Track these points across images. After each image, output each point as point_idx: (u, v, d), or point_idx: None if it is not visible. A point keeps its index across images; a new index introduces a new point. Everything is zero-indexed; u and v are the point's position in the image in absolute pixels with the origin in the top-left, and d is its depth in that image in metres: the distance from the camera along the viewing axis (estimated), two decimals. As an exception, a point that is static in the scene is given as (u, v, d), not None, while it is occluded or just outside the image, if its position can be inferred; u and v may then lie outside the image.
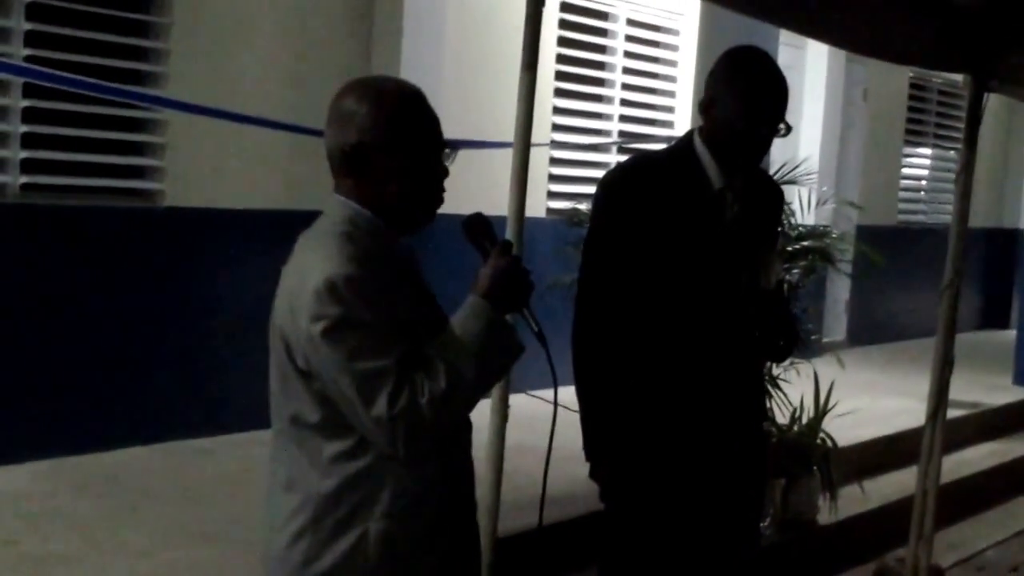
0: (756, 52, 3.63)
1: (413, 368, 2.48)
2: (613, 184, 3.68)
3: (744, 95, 3.51)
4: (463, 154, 6.33)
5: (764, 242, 3.79)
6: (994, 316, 14.98)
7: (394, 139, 2.61)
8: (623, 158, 9.36)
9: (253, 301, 6.66)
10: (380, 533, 2.55)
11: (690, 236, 3.55)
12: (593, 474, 3.72)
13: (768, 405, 6.19)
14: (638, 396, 3.62)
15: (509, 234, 3.49)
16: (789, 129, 3.61)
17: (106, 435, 6.41)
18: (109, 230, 6.48)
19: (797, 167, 6.67)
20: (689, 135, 3.69)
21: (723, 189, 3.61)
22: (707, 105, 3.60)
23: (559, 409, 2.77)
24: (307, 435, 2.58)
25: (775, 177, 6.35)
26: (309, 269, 2.52)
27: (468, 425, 2.75)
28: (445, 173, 2.70)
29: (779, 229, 4.03)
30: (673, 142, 3.82)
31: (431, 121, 2.68)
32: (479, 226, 2.72)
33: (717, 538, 3.67)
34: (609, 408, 3.65)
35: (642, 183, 3.61)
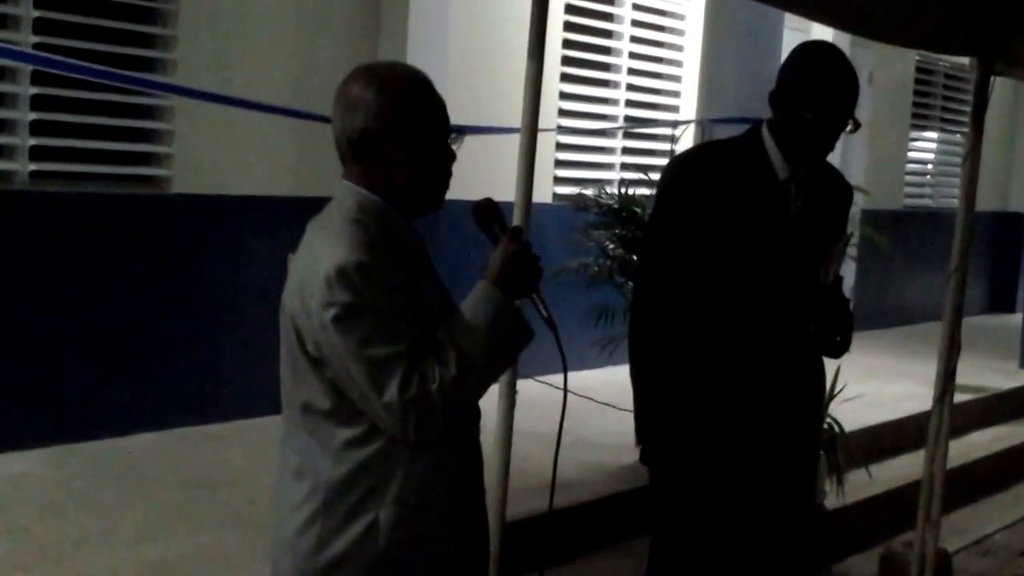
0: (829, 47, 3.69)
1: (424, 354, 2.49)
2: (678, 170, 3.73)
3: (815, 89, 3.54)
4: (470, 141, 6.32)
5: (828, 236, 3.81)
6: (1000, 300, 14.97)
7: (401, 125, 2.61)
8: (628, 143, 9.43)
9: (262, 287, 6.73)
10: (391, 519, 2.56)
11: (752, 225, 3.59)
12: (644, 458, 3.74)
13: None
14: (693, 382, 3.65)
15: (516, 220, 3.49)
16: (858, 125, 3.64)
17: (118, 421, 6.43)
18: (117, 217, 6.49)
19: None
20: (757, 125, 3.73)
21: (788, 181, 3.63)
22: (777, 97, 3.63)
23: (568, 394, 2.78)
24: (318, 422, 2.59)
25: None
26: (319, 256, 2.53)
27: (477, 412, 2.76)
28: (452, 158, 2.71)
29: (845, 223, 4.04)
30: (744, 131, 3.84)
31: (438, 106, 2.68)
32: (489, 211, 2.73)
33: (768, 522, 3.70)
34: (664, 392, 3.68)
35: (707, 170, 3.66)
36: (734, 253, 3.58)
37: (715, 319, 3.61)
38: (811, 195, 3.68)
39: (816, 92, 3.54)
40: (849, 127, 3.62)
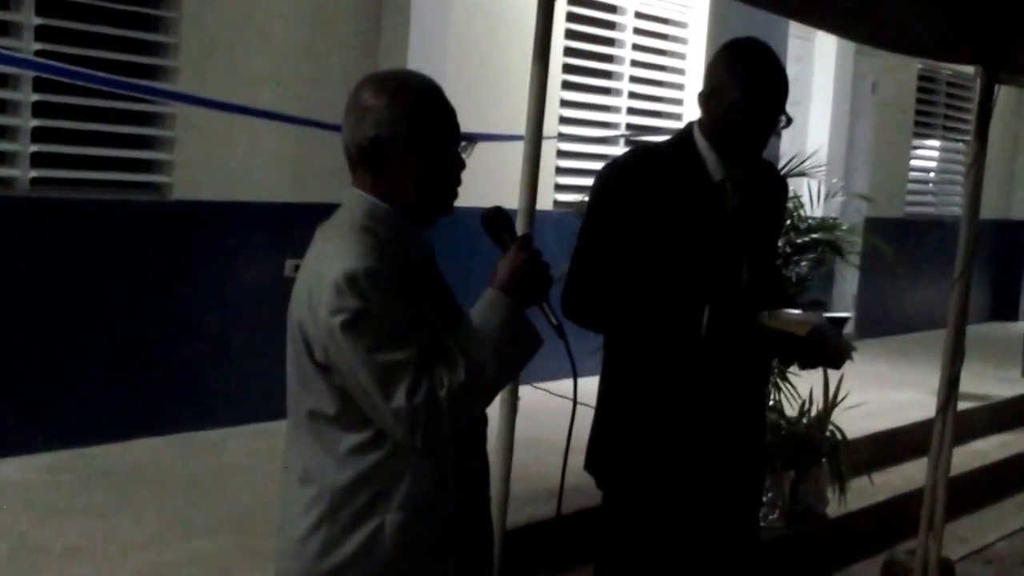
0: (756, 44, 3.61)
1: (432, 361, 2.49)
2: (611, 175, 3.66)
3: (744, 86, 3.49)
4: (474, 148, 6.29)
5: (767, 234, 3.78)
6: (1003, 308, 14.95)
7: (411, 132, 2.61)
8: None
9: (262, 293, 6.73)
10: (396, 525, 2.56)
11: (689, 228, 3.53)
12: (588, 466, 3.73)
13: (776, 398, 6.19)
14: (634, 388, 3.62)
15: (521, 226, 3.48)
16: (790, 121, 3.59)
17: (115, 427, 6.42)
18: (118, 223, 6.49)
19: (806, 160, 6.65)
20: (689, 127, 3.67)
21: (723, 181, 3.59)
22: (707, 96, 3.59)
23: (561, 401, 2.77)
24: (324, 427, 2.59)
25: (784, 170, 6.37)
26: (328, 262, 2.53)
27: (484, 419, 2.76)
28: (462, 166, 2.71)
29: (784, 221, 4.00)
30: (672, 134, 3.82)
31: (448, 114, 2.68)
32: (498, 219, 2.73)
33: (715, 531, 3.67)
34: (605, 396, 3.67)
35: (640, 174, 3.59)
36: (671, 256, 3.53)
37: (652, 324, 3.56)
38: (747, 193, 3.64)
39: (745, 90, 3.49)
40: (781, 123, 3.58)
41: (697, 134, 3.62)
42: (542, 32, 3.47)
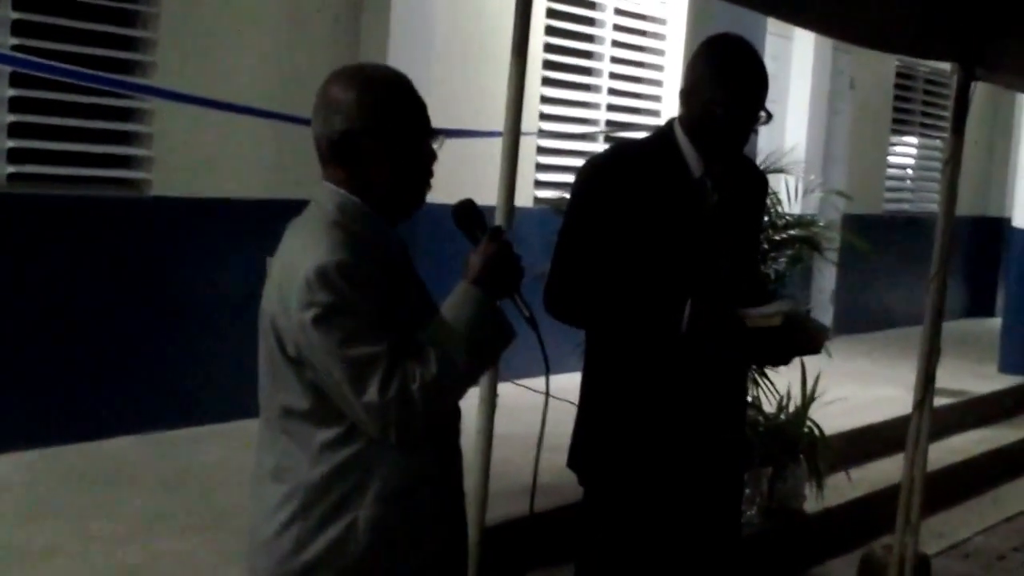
0: (736, 40, 3.61)
1: (405, 355, 2.49)
2: (591, 171, 3.66)
3: (724, 82, 3.49)
4: (452, 144, 6.30)
5: (747, 230, 3.78)
6: (980, 304, 15.02)
7: (381, 126, 2.61)
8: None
9: (240, 290, 6.71)
10: (370, 520, 2.56)
11: (669, 224, 3.53)
12: (570, 463, 3.73)
13: (755, 394, 6.21)
14: (615, 385, 3.62)
15: (499, 221, 3.48)
16: (770, 117, 3.58)
17: (92, 425, 6.39)
18: (96, 220, 6.46)
19: (784, 156, 6.67)
20: (669, 124, 3.67)
21: (703, 177, 3.59)
22: (687, 92, 3.59)
23: (543, 397, 2.77)
24: (297, 423, 2.58)
25: (761, 166, 6.37)
26: (299, 257, 2.53)
27: (457, 413, 2.75)
28: (433, 159, 2.70)
29: (764, 216, 4.00)
30: (653, 131, 3.82)
31: (418, 107, 2.68)
32: (469, 213, 2.73)
33: (695, 528, 3.67)
34: (586, 391, 3.67)
35: (620, 170, 3.59)
36: (651, 253, 3.53)
37: (632, 319, 3.56)
38: (727, 190, 3.64)
39: (726, 86, 3.48)
40: (761, 119, 3.58)
41: (677, 130, 3.62)
42: (520, 27, 3.46)
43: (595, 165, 3.69)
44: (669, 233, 3.53)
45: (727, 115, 3.50)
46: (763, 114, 3.56)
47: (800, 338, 3.61)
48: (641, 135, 3.91)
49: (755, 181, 3.85)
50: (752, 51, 3.59)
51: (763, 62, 3.61)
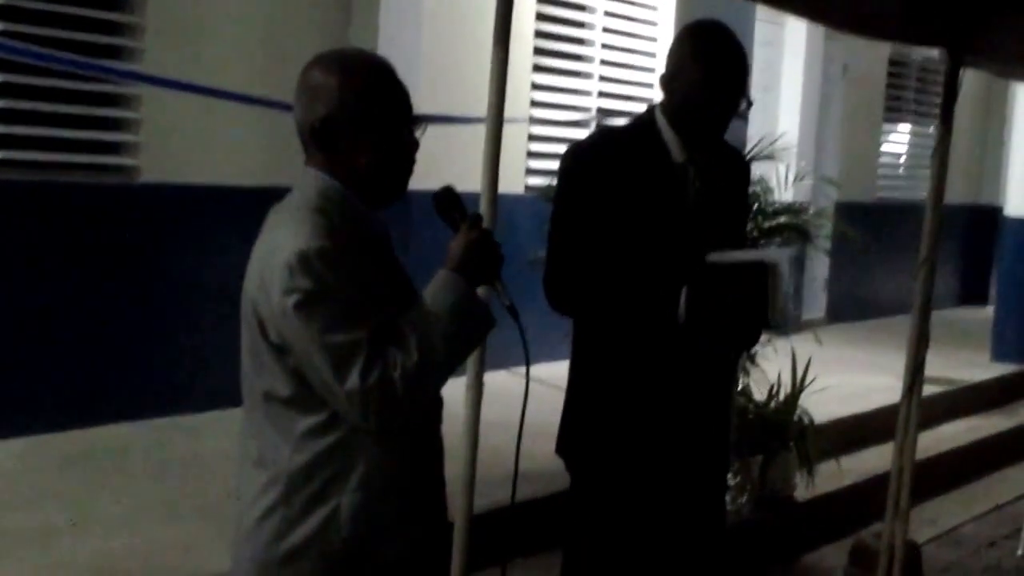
0: (716, 25, 3.60)
1: (386, 342, 2.48)
2: (572, 158, 3.65)
3: (703, 68, 3.48)
4: (442, 131, 6.30)
5: (731, 216, 3.76)
6: (973, 293, 15.04)
7: (363, 111, 2.60)
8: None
9: (230, 277, 6.60)
10: (352, 508, 2.55)
11: (651, 210, 3.52)
12: (559, 449, 3.73)
13: (745, 382, 6.21)
14: (603, 372, 3.62)
15: (483, 208, 3.46)
16: (750, 103, 3.58)
17: (87, 412, 6.39)
18: (85, 206, 6.45)
19: (774, 142, 6.65)
20: (651, 110, 3.66)
21: (684, 164, 3.58)
22: (667, 79, 3.58)
23: (532, 385, 2.77)
24: (279, 410, 2.57)
25: (751, 153, 6.36)
26: (280, 243, 2.52)
27: (439, 401, 2.75)
28: (415, 146, 2.69)
29: (748, 203, 3.98)
30: (633, 117, 3.80)
31: (400, 93, 2.66)
32: (449, 200, 2.72)
33: (680, 516, 3.66)
34: (576, 380, 3.67)
35: (601, 157, 3.58)
36: (635, 240, 3.52)
37: (630, 309, 3.55)
38: (710, 176, 3.63)
39: (706, 71, 3.48)
40: (743, 105, 3.57)
41: (659, 116, 3.61)
42: (502, 15, 3.44)
43: (576, 152, 3.68)
44: (651, 220, 3.52)
45: (708, 100, 3.49)
46: (744, 100, 3.55)
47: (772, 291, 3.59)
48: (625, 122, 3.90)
49: (737, 167, 3.84)
50: (732, 36, 3.58)
51: (743, 48, 3.60)
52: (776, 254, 3.54)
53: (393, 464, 2.59)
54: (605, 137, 3.92)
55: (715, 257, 3.49)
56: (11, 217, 6.15)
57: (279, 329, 2.51)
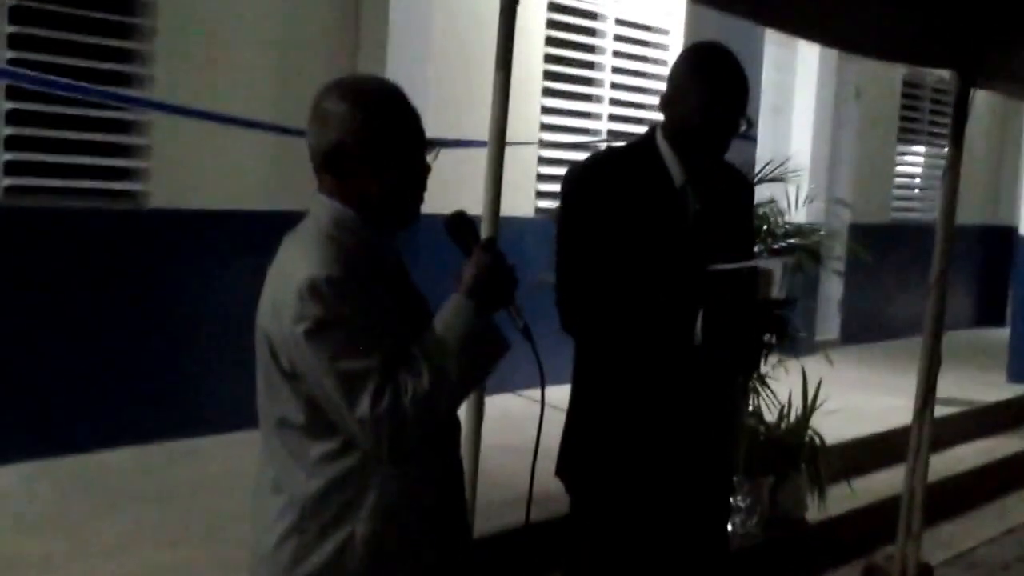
0: (716, 48, 3.60)
1: (396, 368, 2.48)
2: (572, 179, 3.65)
3: (702, 90, 3.48)
4: (451, 154, 6.29)
5: (733, 237, 3.75)
6: (989, 314, 14.96)
7: (375, 138, 2.60)
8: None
9: (237, 302, 6.62)
10: (367, 534, 2.55)
11: (651, 232, 3.52)
12: (558, 471, 3.71)
13: (755, 403, 6.18)
14: (604, 393, 3.60)
15: (485, 230, 3.46)
16: (750, 125, 3.57)
17: (91, 436, 6.40)
18: (94, 232, 6.47)
19: (783, 163, 6.64)
20: (652, 130, 3.66)
21: (684, 185, 3.58)
22: (667, 100, 3.58)
23: (535, 406, 2.75)
24: (293, 436, 2.58)
25: (760, 175, 6.35)
26: (292, 270, 2.52)
27: (456, 424, 2.75)
28: (427, 171, 2.69)
29: (752, 224, 3.97)
30: (634, 138, 3.80)
31: (412, 119, 2.67)
32: (461, 224, 2.71)
33: (682, 539, 3.64)
34: (578, 399, 3.66)
35: (601, 178, 3.58)
36: (636, 260, 3.51)
37: (647, 332, 3.54)
38: (710, 198, 3.62)
39: (704, 93, 3.47)
40: (742, 127, 3.57)
41: (659, 138, 3.61)
42: (504, 39, 3.46)
43: (575, 172, 3.68)
44: (651, 240, 3.51)
45: (706, 121, 3.49)
46: (743, 122, 3.55)
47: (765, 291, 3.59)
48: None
49: (739, 188, 3.83)
50: (731, 58, 3.58)
51: (743, 69, 3.59)
52: (771, 263, 3.53)
53: (408, 489, 2.59)
54: (605, 158, 3.93)
55: (711, 268, 3.49)
56: (21, 243, 6.17)
57: (291, 356, 2.52)
